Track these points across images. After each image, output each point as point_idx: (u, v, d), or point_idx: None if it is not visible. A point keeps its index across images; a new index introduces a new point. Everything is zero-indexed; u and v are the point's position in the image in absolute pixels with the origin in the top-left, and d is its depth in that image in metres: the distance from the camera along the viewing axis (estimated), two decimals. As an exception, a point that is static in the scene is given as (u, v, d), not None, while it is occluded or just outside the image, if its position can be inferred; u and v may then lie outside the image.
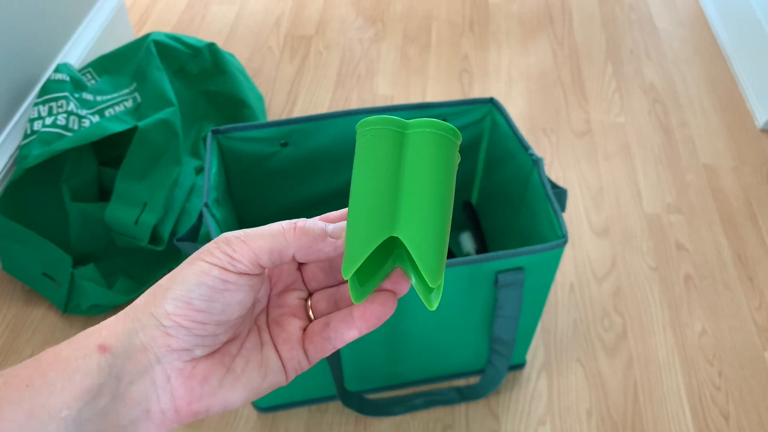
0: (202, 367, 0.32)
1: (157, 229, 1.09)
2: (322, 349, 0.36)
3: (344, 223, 0.35)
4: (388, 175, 0.33)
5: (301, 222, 0.34)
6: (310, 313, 0.37)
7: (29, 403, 0.29)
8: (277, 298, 0.37)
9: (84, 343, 0.31)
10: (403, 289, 0.35)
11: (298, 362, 0.36)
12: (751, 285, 1.15)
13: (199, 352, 0.32)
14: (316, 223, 0.34)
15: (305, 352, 0.36)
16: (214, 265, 0.32)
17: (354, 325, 0.35)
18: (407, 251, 0.34)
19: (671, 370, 1.04)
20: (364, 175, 0.33)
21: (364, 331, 0.35)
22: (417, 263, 0.31)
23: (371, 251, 0.31)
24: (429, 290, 0.34)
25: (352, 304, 0.36)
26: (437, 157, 0.33)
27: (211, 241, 0.33)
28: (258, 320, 0.36)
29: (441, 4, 1.75)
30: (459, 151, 1.05)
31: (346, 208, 0.35)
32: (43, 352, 0.31)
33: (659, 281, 1.15)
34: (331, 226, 0.34)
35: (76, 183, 1.11)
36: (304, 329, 0.36)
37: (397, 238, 0.33)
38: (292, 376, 0.35)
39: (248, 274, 0.33)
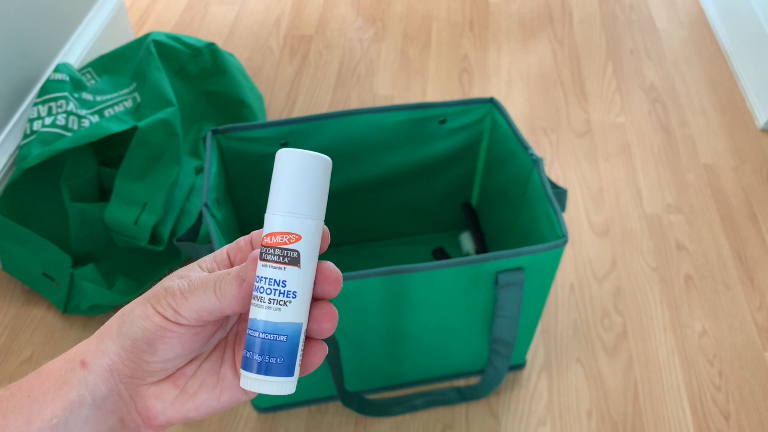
0: (155, 390, 0.35)
1: (157, 229, 1.09)
2: None
3: (246, 263, 0.34)
4: None
5: (234, 271, 0.33)
6: None
7: (28, 411, 0.33)
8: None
9: (73, 356, 0.34)
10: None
11: None
12: (751, 285, 1.15)
13: (150, 380, 0.34)
14: (237, 268, 0.33)
15: None
16: (157, 312, 0.33)
17: None
18: None
19: (671, 370, 1.04)
20: None
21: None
22: None
23: None
24: None
25: None
26: None
27: (161, 285, 0.33)
28: (231, 332, 0.37)
29: (441, 4, 1.75)
30: (459, 152, 1.05)
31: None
32: (46, 363, 0.35)
33: (659, 281, 1.15)
34: (243, 264, 0.33)
35: (75, 183, 1.11)
36: None
37: None
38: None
39: (192, 326, 0.33)
